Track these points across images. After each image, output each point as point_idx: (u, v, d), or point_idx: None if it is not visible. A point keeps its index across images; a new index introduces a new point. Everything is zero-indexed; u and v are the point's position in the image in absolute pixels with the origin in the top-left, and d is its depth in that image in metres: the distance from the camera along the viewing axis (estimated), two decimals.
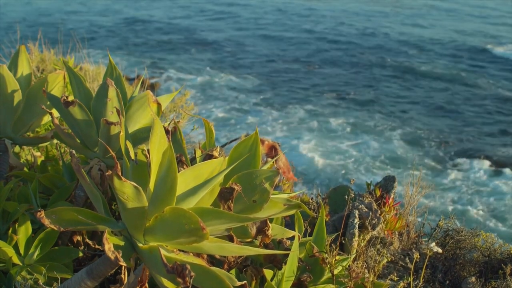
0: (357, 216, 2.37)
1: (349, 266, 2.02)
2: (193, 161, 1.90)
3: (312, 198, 2.78)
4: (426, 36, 26.66)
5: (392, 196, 2.67)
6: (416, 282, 2.21)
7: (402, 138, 13.95)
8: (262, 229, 1.75)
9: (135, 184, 1.35)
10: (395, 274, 2.10)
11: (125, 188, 1.35)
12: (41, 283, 1.71)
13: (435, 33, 27.33)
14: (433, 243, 2.65)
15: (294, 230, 1.97)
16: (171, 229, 1.41)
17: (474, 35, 26.66)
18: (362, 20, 30.73)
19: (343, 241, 2.32)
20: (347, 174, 11.68)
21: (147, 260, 1.46)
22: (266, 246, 1.86)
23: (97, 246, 1.82)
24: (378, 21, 30.42)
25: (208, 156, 1.73)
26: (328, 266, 1.92)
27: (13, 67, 2.30)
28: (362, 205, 2.45)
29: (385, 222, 2.56)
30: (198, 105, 15.02)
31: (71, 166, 2.26)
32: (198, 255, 1.59)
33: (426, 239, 2.84)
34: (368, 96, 17.25)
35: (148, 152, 1.45)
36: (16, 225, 1.90)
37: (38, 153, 2.76)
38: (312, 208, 2.65)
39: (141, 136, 2.09)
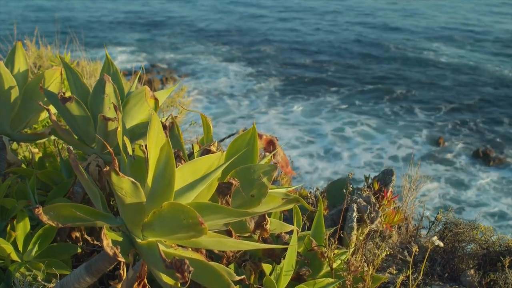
0: (355, 209, 2.37)
1: (348, 259, 2.02)
2: (191, 156, 1.90)
3: (310, 192, 2.78)
4: (435, 27, 26.65)
5: (391, 189, 2.66)
6: (415, 275, 2.22)
7: (403, 133, 13.95)
8: (260, 224, 1.75)
9: (133, 180, 1.35)
10: (394, 267, 2.11)
11: (123, 184, 1.35)
12: (40, 280, 1.71)
13: (446, 22, 27.28)
14: (435, 237, 2.65)
15: (293, 224, 1.97)
16: (169, 224, 1.40)
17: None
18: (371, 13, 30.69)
19: (342, 235, 2.33)
20: (345, 168, 11.69)
21: (146, 255, 1.46)
22: (264, 241, 1.86)
23: (95, 242, 1.83)
24: (385, 14, 30.39)
25: (206, 151, 1.72)
26: (327, 260, 1.92)
27: (10, 63, 2.29)
28: (361, 199, 2.45)
29: (384, 216, 2.56)
30: (197, 101, 15.02)
31: (69, 162, 2.26)
32: (196, 250, 1.59)
33: (425, 232, 2.85)
34: (368, 93, 17.25)
35: (146, 148, 1.45)
36: (15, 222, 1.90)
37: (36, 150, 2.75)
38: (311, 202, 2.65)
39: (139, 132, 2.09)
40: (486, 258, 2.54)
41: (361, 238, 2.33)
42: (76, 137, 2.12)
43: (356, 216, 2.36)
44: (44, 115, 2.40)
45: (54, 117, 2.02)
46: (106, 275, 1.98)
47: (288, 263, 1.80)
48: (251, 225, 1.75)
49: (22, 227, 1.89)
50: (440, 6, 34.45)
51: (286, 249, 1.82)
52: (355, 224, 2.34)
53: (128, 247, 1.51)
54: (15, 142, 2.74)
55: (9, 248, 1.78)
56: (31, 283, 1.73)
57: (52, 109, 2.18)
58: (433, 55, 21.84)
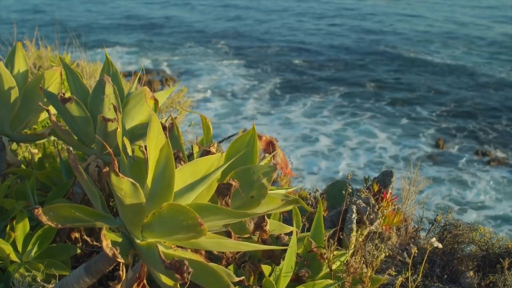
0: (354, 211, 2.37)
1: (347, 261, 2.02)
2: (190, 157, 1.90)
3: (310, 194, 2.78)
4: (434, 29, 26.69)
5: (390, 191, 2.66)
6: (414, 277, 2.22)
7: (403, 134, 13.95)
8: (260, 225, 1.75)
9: (133, 181, 1.35)
10: (393, 269, 2.10)
11: (123, 185, 1.35)
12: (39, 280, 1.71)
13: (445, 24, 27.32)
14: (434, 238, 2.65)
15: (292, 226, 1.97)
16: (169, 225, 1.40)
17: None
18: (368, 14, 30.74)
19: (341, 236, 2.33)
20: (346, 169, 11.69)
21: (145, 256, 1.46)
22: (264, 242, 1.86)
23: (95, 243, 1.82)
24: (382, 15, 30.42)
25: (206, 152, 1.72)
26: (326, 261, 1.92)
27: (10, 64, 2.29)
28: (360, 200, 2.45)
29: (383, 217, 2.56)
30: (197, 102, 15.02)
31: (68, 163, 2.26)
32: (196, 251, 1.59)
33: (424, 233, 2.85)
34: (369, 94, 17.26)
35: (146, 149, 1.45)
36: (14, 222, 1.90)
37: (36, 150, 2.75)
38: (310, 203, 2.65)
39: (139, 133, 2.09)
40: (485, 259, 2.54)
41: (360, 239, 2.33)
42: (76, 138, 2.12)
43: (356, 218, 2.36)
44: (43, 115, 2.40)
45: (53, 118, 2.03)
46: (106, 276, 1.98)
47: (288, 264, 1.80)
48: (251, 226, 1.75)
49: (22, 228, 1.89)
50: (439, 8, 34.50)
51: (285, 250, 1.82)
52: (354, 226, 2.34)
53: (128, 248, 1.51)
54: (14, 143, 2.73)
55: (8, 248, 1.78)
56: (30, 283, 1.73)
57: (52, 110, 2.19)
58: (432, 56, 21.85)
